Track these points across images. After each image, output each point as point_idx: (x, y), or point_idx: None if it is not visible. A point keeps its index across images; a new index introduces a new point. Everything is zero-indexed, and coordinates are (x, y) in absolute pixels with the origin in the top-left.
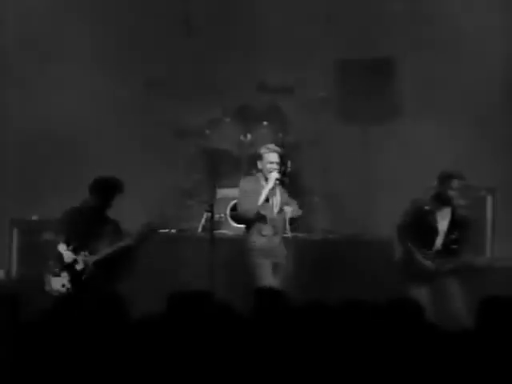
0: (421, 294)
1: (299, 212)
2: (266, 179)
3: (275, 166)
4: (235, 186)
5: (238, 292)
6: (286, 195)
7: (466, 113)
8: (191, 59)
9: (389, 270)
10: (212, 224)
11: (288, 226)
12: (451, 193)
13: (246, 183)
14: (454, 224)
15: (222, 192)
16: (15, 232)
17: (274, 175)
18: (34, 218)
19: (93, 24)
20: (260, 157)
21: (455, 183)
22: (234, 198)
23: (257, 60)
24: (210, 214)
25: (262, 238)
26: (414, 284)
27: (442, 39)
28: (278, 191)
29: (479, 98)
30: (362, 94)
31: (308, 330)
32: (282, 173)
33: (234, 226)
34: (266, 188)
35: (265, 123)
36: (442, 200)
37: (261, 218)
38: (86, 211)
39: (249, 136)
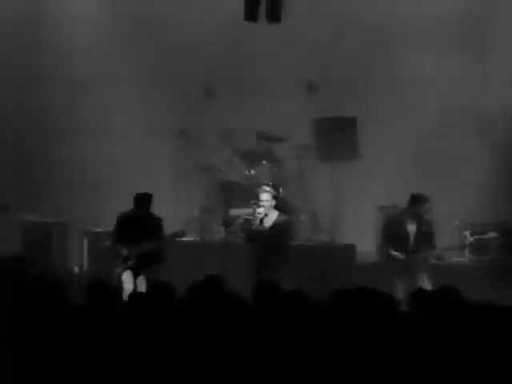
0: (399, 281)
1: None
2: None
3: (264, 203)
4: (243, 207)
5: (244, 281)
6: (275, 216)
7: (406, 157)
8: (210, 115)
9: (351, 266)
10: (225, 234)
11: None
12: (419, 210)
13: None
14: (420, 229)
15: (233, 211)
16: (85, 240)
17: (258, 210)
18: (99, 230)
19: (137, 88)
20: (257, 195)
21: (426, 205)
22: (239, 216)
23: (258, 117)
24: (223, 227)
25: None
26: (395, 274)
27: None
28: (271, 217)
29: (418, 147)
30: (333, 142)
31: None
32: (272, 206)
33: (240, 235)
34: (256, 220)
35: (264, 162)
36: (412, 214)
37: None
38: (132, 213)
39: (252, 171)
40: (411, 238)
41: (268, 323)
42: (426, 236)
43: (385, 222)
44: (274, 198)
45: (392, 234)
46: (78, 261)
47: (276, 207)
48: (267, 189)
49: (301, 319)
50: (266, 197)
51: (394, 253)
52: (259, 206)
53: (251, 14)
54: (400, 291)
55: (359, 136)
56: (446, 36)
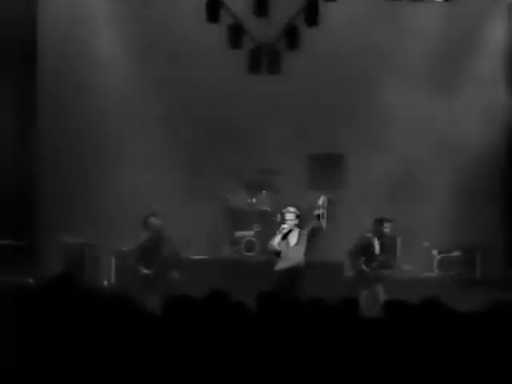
0: (363, 293)
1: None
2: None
3: (288, 222)
4: (246, 230)
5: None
6: (297, 232)
7: (384, 187)
8: (221, 157)
9: (339, 279)
10: (232, 252)
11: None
12: (382, 230)
13: (278, 232)
14: (383, 248)
15: (238, 233)
16: (113, 259)
17: (284, 226)
18: (124, 249)
19: (165, 135)
20: (283, 214)
21: (386, 225)
22: (244, 237)
23: (260, 156)
24: (230, 247)
25: (278, 263)
26: (360, 287)
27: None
28: (295, 234)
29: (393, 179)
30: (323, 174)
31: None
32: (295, 224)
33: (245, 253)
34: (279, 234)
35: (264, 191)
36: (377, 234)
37: (277, 252)
38: (149, 243)
39: (254, 199)
40: (377, 255)
41: (271, 329)
42: (387, 250)
43: (357, 242)
44: (297, 217)
45: (362, 251)
46: (107, 275)
47: (298, 225)
48: (292, 209)
49: (300, 325)
50: (290, 216)
51: (363, 267)
52: (284, 223)
53: (255, 67)
54: (364, 300)
55: (345, 169)
56: (421, 76)
